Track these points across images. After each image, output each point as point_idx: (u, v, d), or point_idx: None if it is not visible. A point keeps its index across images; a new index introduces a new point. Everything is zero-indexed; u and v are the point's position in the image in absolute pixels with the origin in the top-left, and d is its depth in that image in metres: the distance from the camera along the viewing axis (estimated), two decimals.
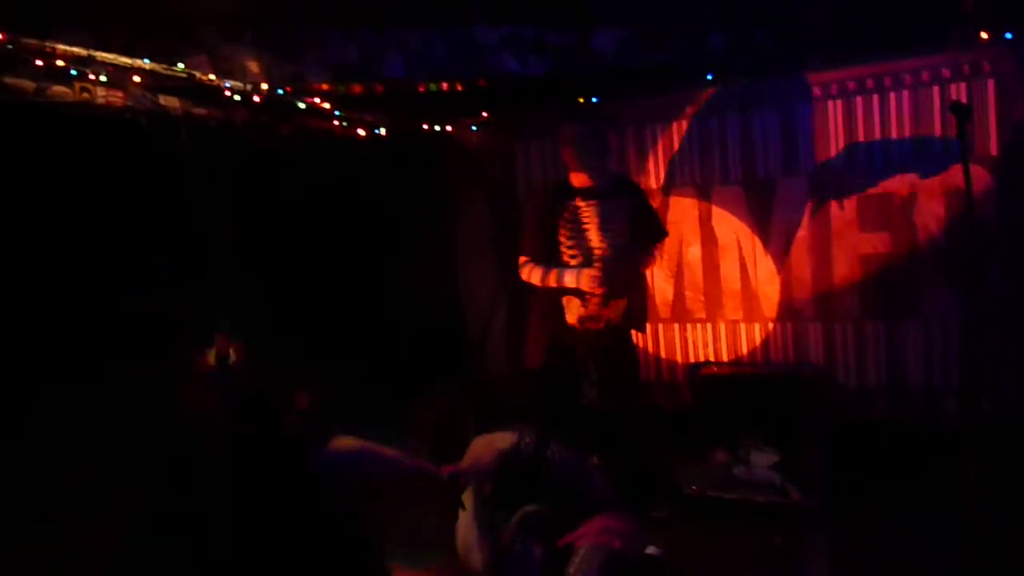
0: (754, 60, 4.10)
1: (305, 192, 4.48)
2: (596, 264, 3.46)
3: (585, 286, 3.46)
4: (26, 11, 2.95)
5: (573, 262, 3.53)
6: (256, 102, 3.84)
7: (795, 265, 4.34)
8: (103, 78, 3.28)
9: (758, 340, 4.48)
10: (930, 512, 3.16)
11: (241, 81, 3.75)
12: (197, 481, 2.16)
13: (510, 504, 2.61)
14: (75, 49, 3.14)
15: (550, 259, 3.58)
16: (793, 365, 4.32)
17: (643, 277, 3.90)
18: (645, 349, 4.81)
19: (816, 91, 4.21)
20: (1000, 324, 3.75)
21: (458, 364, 5.17)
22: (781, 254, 4.37)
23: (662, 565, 2.59)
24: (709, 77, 4.35)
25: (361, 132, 4.65)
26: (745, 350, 4.52)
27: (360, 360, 4.59)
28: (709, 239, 4.58)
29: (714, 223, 4.56)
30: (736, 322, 4.54)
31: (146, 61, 3.37)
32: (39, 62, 3.05)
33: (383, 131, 4.78)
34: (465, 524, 2.66)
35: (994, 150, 3.79)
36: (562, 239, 3.56)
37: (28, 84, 3.10)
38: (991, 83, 3.78)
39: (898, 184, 4.04)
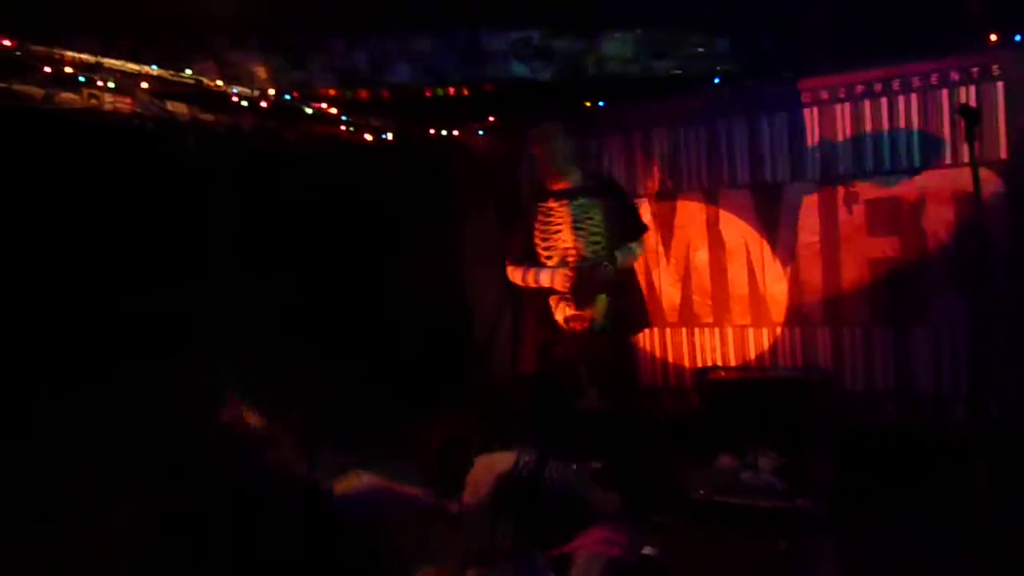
0: (761, 64, 4.09)
1: (311, 197, 4.49)
2: (568, 264, 3.50)
3: (559, 285, 3.52)
4: (34, 18, 2.98)
5: (550, 263, 3.59)
6: (263, 108, 3.86)
7: (803, 269, 4.32)
8: (111, 84, 3.30)
9: (766, 345, 4.46)
10: (937, 517, 3.14)
11: (248, 87, 3.77)
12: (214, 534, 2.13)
13: (510, 521, 2.63)
14: (83, 56, 3.16)
15: (530, 260, 3.64)
16: (801, 370, 4.30)
17: (633, 275, 3.89)
18: (652, 353, 4.81)
19: (824, 94, 4.19)
20: (1009, 329, 3.71)
21: (464, 369, 5.17)
22: (789, 258, 4.36)
23: (659, 565, 2.59)
24: (716, 81, 4.34)
25: (368, 137, 4.66)
26: (753, 355, 4.50)
27: (365, 365, 4.60)
28: (717, 243, 4.57)
29: (722, 227, 4.54)
30: (744, 327, 4.52)
31: (154, 67, 3.39)
32: (47, 69, 3.07)
33: (390, 136, 4.79)
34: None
35: (1004, 153, 3.76)
36: (537, 241, 3.63)
37: (36, 91, 3.13)
38: (1000, 86, 3.75)
39: (907, 188, 4.02)
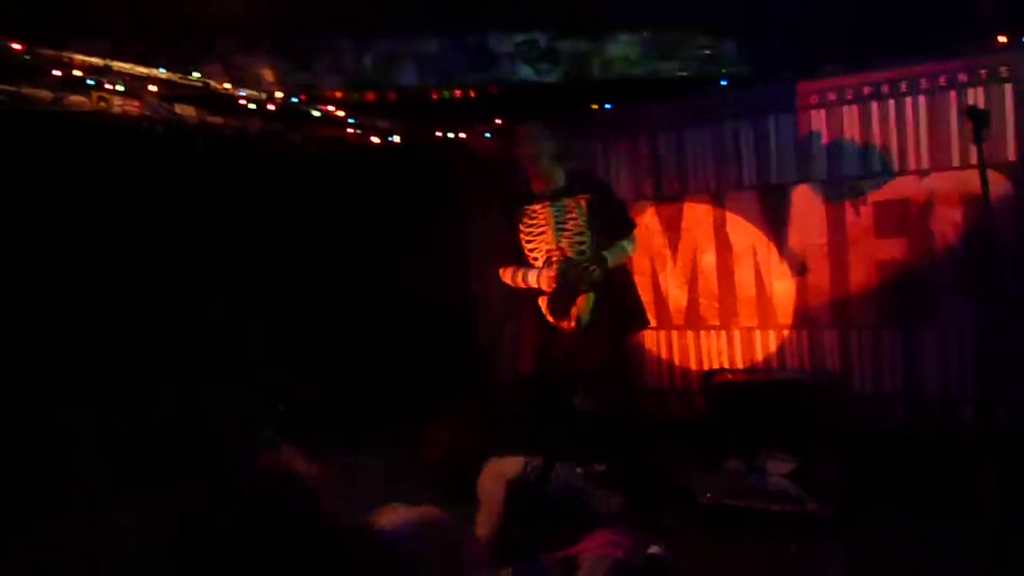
0: (768, 66, 4.09)
1: (316, 200, 4.51)
2: (552, 264, 3.53)
3: (544, 285, 3.54)
4: (43, 22, 2.99)
5: (536, 264, 3.62)
6: (271, 110, 3.87)
7: (811, 272, 4.31)
8: (120, 87, 3.31)
9: (773, 347, 4.45)
10: (945, 519, 3.12)
11: (256, 89, 3.78)
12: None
13: (519, 525, 2.63)
14: (92, 59, 3.17)
15: (520, 261, 3.67)
16: (808, 372, 4.29)
17: (627, 274, 3.88)
18: (659, 356, 4.80)
19: (831, 96, 4.18)
20: (1017, 332, 3.70)
21: (470, 372, 5.17)
22: (796, 260, 4.35)
23: (665, 563, 2.59)
24: (723, 83, 4.34)
25: (375, 139, 4.67)
26: (760, 357, 4.49)
27: (370, 367, 4.61)
28: (723, 245, 4.56)
29: (728, 229, 4.54)
30: (751, 329, 4.52)
31: (162, 70, 3.41)
32: (56, 72, 3.08)
33: (397, 138, 4.79)
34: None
35: (1012, 155, 3.74)
36: (523, 242, 3.65)
37: (46, 94, 3.14)
38: (1009, 88, 3.73)
39: (915, 190, 4.01)
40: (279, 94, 3.84)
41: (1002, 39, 3.66)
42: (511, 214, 3.69)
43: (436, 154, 5.17)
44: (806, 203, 4.29)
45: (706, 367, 4.62)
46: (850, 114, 4.14)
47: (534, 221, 3.62)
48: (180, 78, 3.47)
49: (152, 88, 3.42)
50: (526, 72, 4.08)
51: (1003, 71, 3.74)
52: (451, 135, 5.12)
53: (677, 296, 4.72)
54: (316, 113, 4.11)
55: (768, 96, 4.34)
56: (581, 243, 3.54)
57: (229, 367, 3.90)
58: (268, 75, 3.84)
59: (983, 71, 3.80)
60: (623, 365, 3.76)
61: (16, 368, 3.20)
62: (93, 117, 3.29)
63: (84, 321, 3.44)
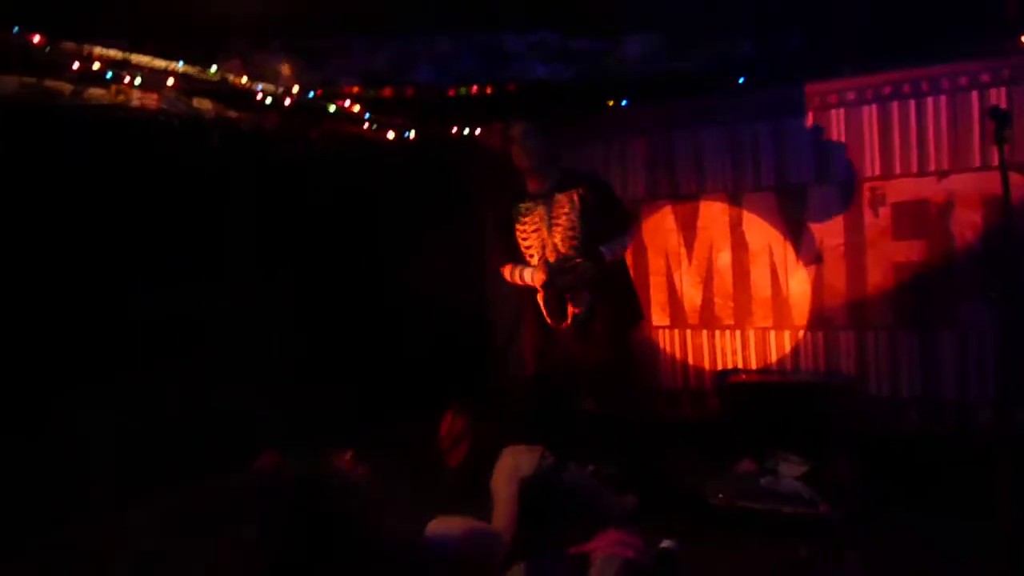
0: (786, 65, 4.05)
1: (332, 197, 4.52)
2: (543, 262, 3.54)
3: (537, 283, 3.55)
4: (64, 16, 3.02)
5: (532, 262, 3.63)
6: (287, 105, 3.88)
7: (827, 272, 4.28)
8: (138, 81, 3.34)
9: (788, 348, 4.42)
10: (959, 524, 3.10)
11: (273, 84, 3.80)
12: None
13: (532, 521, 2.63)
14: (111, 52, 3.20)
15: (517, 260, 3.68)
16: (823, 374, 4.26)
17: (625, 269, 3.86)
18: (673, 355, 4.78)
19: (850, 96, 4.15)
20: None
21: (483, 372, 5.17)
22: (813, 261, 4.31)
23: (676, 557, 2.58)
24: (740, 82, 4.31)
25: (390, 136, 4.68)
26: (774, 358, 4.47)
27: (382, 367, 4.61)
28: (739, 245, 4.53)
29: (744, 229, 4.51)
30: (766, 329, 4.49)
31: (180, 64, 3.43)
32: (76, 65, 3.11)
33: (412, 135, 4.80)
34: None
35: None
36: (519, 241, 3.66)
37: (65, 86, 3.17)
38: None
39: (934, 191, 3.97)
40: (295, 88, 3.85)
41: None
42: (508, 212, 3.69)
43: (451, 152, 5.16)
44: (823, 203, 4.26)
45: (720, 367, 4.59)
46: (869, 114, 4.10)
47: (528, 219, 3.63)
48: (198, 72, 3.50)
49: (170, 82, 3.44)
50: (541, 71, 4.07)
51: None
52: (466, 132, 5.12)
53: (692, 295, 4.70)
54: (332, 108, 4.12)
55: (786, 95, 4.30)
56: (573, 238, 3.53)
57: (242, 367, 3.92)
58: (285, 70, 3.86)
59: (1005, 71, 3.75)
60: (624, 364, 3.72)
61: (34, 369, 3.24)
62: (112, 110, 3.31)
63: (98, 321, 3.47)
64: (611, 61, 4.04)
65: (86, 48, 3.10)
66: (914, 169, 4.01)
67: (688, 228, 4.68)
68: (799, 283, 4.37)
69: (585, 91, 4.25)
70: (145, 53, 3.32)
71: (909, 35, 3.72)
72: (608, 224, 3.60)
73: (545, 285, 3.53)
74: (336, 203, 4.56)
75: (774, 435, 3.79)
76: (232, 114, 3.83)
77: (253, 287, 4.17)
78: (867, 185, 4.13)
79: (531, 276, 3.60)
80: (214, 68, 3.57)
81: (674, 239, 4.72)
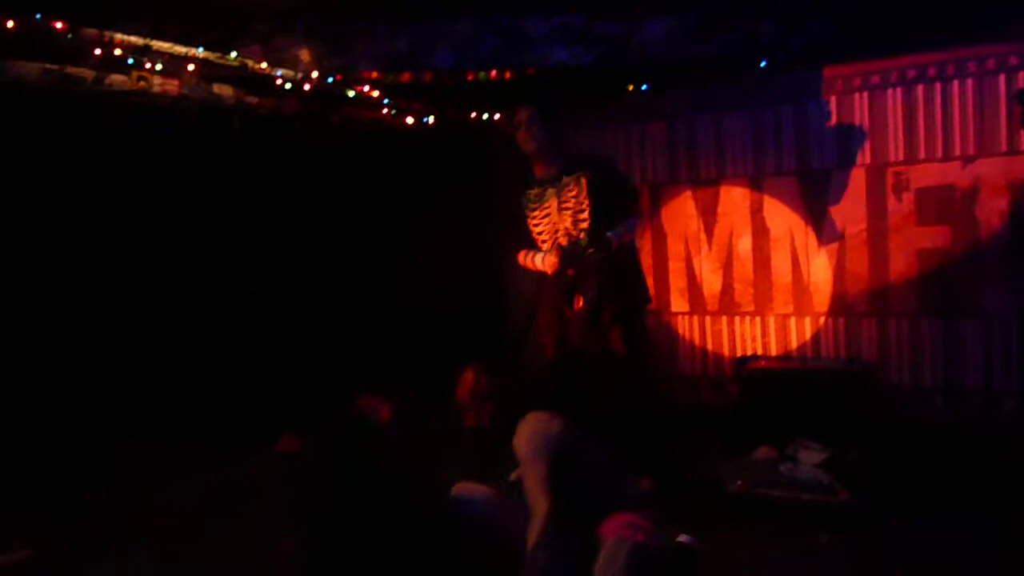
0: (809, 48, 3.99)
1: (351, 181, 4.53)
2: (554, 248, 3.54)
3: (547, 269, 3.55)
4: (86, 2, 3.04)
5: (544, 247, 3.64)
6: (306, 91, 3.89)
7: (849, 259, 4.23)
8: (159, 67, 3.36)
9: (808, 335, 4.39)
10: (980, 514, 3.07)
11: (293, 70, 3.80)
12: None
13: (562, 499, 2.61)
14: (132, 39, 3.22)
15: (533, 245, 3.69)
16: (844, 361, 4.22)
17: (634, 253, 3.84)
18: (692, 342, 4.76)
19: (875, 79, 4.09)
20: None
21: (500, 356, 5.17)
22: (835, 247, 4.27)
23: (694, 552, 2.57)
24: (762, 65, 4.25)
25: (410, 121, 4.67)
26: (795, 344, 4.44)
27: (399, 353, 4.63)
28: (760, 230, 4.49)
29: (765, 214, 4.47)
30: (786, 316, 4.45)
31: (200, 50, 3.44)
32: (98, 51, 3.14)
33: (431, 120, 4.79)
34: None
35: None
36: (531, 226, 3.67)
37: (88, 72, 3.21)
38: None
39: (959, 176, 3.91)
40: (315, 74, 3.86)
41: None
42: (519, 198, 3.70)
43: (471, 137, 5.15)
44: (846, 188, 4.21)
45: (739, 353, 4.57)
46: (894, 98, 4.04)
47: (539, 204, 3.64)
48: (218, 58, 3.51)
49: (191, 67, 3.45)
50: (562, 55, 4.04)
51: None
52: (486, 117, 5.10)
53: (711, 281, 4.67)
54: (351, 93, 4.12)
55: (809, 79, 4.25)
56: (583, 221, 3.53)
57: (262, 350, 3.96)
58: (305, 56, 3.86)
59: None
60: (637, 348, 3.71)
61: (57, 352, 3.29)
62: (133, 96, 3.34)
63: (115, 305, 3.52)
64: (632, 44, 4.00)
65: (107, 34, 3.12)
66: (939, 154, 3.95)
67: (708, 213, 4.65)
68: (820, 269, 4.33)
69: (605, 75, 4.20)
70: (166, 39, 3.34)
71: (935, 17, 3.65)
72: (617, 202, 3.60)
73: (558, 270, 3.52)
74: (355, 188, 4.57)
75: (794, 422, 3.77)
76: (252, 100, 3.85)
77: (273, 271, 4.20)
78: (891, 170, 4.08)
79: (542, 261, 3.61)
80: (234, 54, 3.58)
81: (694, 224, 4.69)
